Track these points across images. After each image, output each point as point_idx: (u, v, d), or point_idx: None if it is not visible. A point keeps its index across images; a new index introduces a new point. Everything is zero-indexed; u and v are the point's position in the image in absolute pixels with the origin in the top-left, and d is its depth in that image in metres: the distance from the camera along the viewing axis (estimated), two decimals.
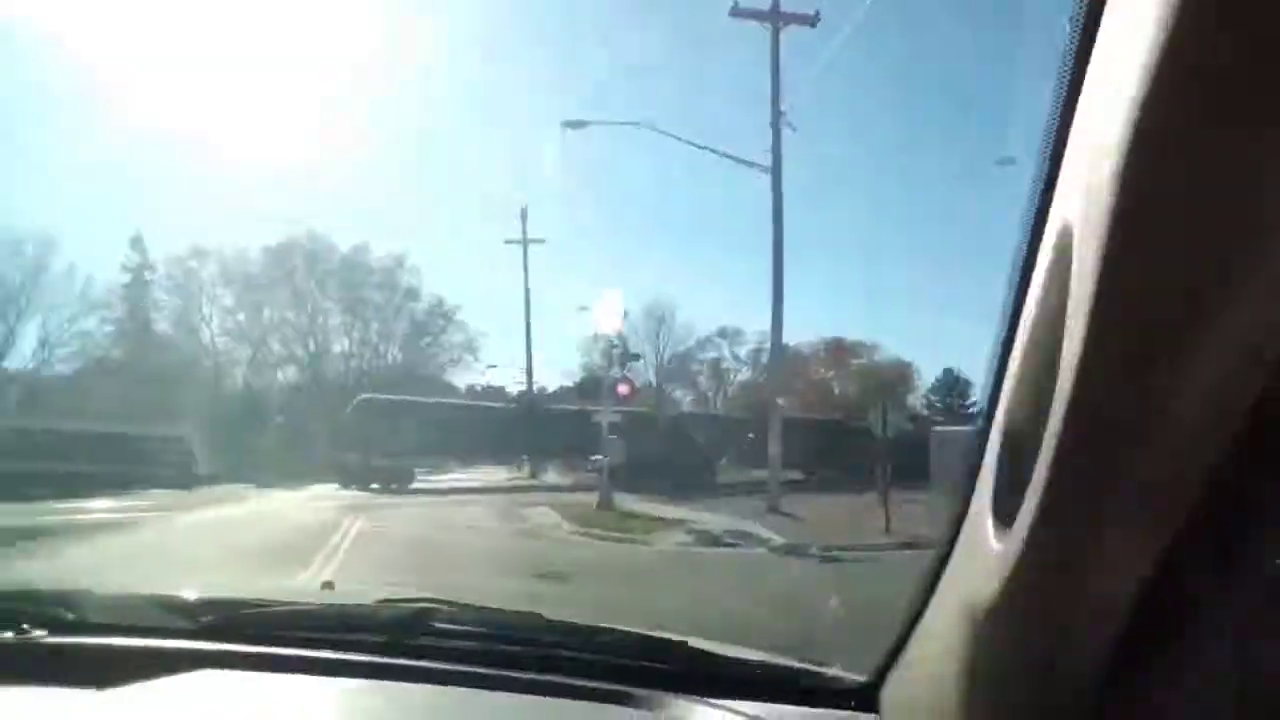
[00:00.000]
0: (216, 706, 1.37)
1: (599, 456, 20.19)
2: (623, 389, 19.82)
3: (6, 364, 41.60)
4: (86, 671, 1.36)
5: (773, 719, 1.43)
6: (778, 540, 15.61)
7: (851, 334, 62.57)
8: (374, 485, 27.08)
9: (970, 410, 66.85)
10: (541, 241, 43.45)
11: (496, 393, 52.86)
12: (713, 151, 20.56)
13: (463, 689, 1.47)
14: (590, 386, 20.70)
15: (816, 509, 21.39)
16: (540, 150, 64.02)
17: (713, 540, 16.16)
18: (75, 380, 42.21)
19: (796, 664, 1.67)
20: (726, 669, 1.61)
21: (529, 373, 44.59)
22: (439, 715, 1.48)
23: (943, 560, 1.16)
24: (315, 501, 22.51)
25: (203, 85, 33.68)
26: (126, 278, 50.10)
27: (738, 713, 1.41)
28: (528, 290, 43.66)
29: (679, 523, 17.98)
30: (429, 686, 1.48)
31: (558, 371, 77.28)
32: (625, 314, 20.55)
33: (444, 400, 38.97)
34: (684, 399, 63.93)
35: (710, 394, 66.75)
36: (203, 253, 52.19)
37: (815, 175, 63.66)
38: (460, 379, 56.38)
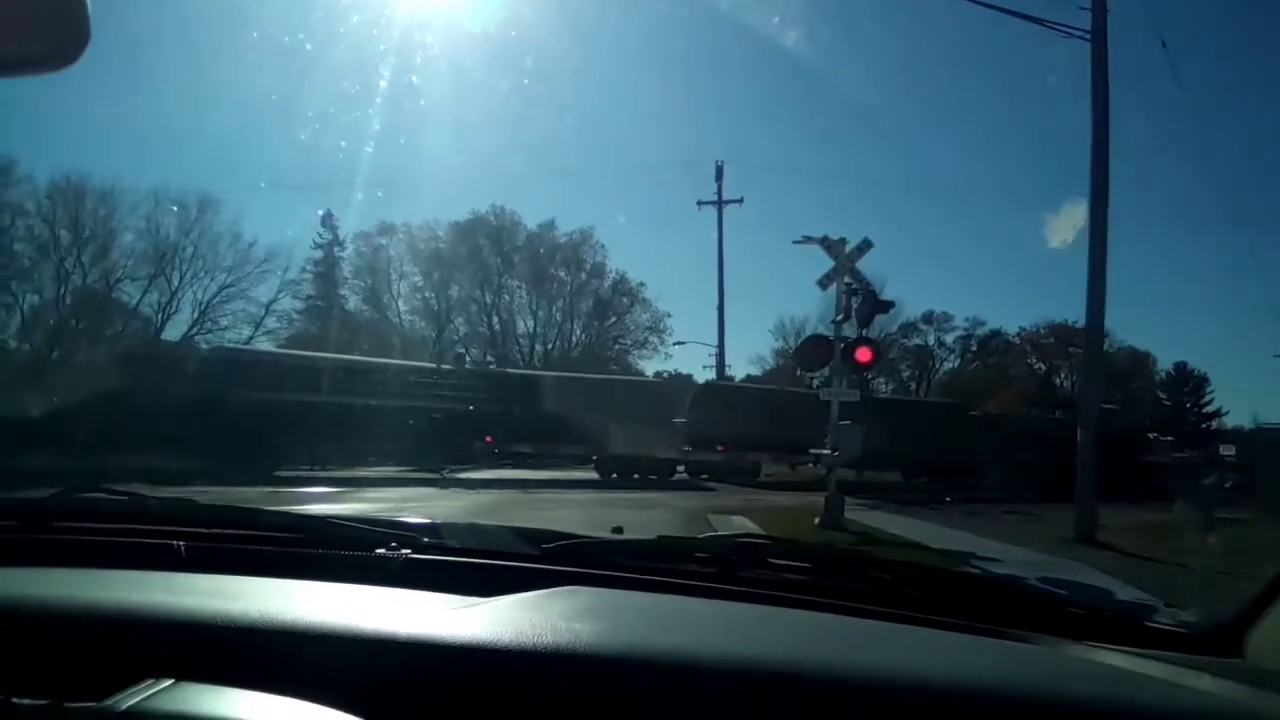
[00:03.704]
0: (594, 609, 1.32)
1: (825, 450, 13.38)
2: (864, 354, 12.83)
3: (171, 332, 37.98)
4: (461, 582, 1.41)
5: (1134, 658, 1.28)
6: (1165, 613, 8.30)
7: (1066, 314, 51.69)
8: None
9: (1206, 410, 55.67)
10: (739, 202, 37.17)
11: (684, 380, 47.08)
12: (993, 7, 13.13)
13: (798, 610, 1.42)
14: (814, 351, 13.70)
15: (1138, 536, 13.77)
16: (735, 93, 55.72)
17: None
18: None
19: (1149, 610, 1.63)
20: (1073, 613, 1.50)
21: (720, 351, 38.09)
22: (778, 627, 1.35)
23: None
24: (447, 501, 16.97)
25: (387, 64, 29.73)
26: (318, 254, 47.83)
27: (1098, 650, 1.31)
28: (721, 252, 37.39)
29: (955, 558, 10.93)
30: (762, 606, 1.44)
31: (745, 357, 71.01)
32: (869, 245, 13.46)
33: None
34: (883, 388, 55.88)
35: (913, 384, 58.45)
36: (390, 229, 49.47)
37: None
38: (648, 364, 50.78)
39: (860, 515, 14.99)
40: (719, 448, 26.91)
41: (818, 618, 1.39)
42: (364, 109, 39.17)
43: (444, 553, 1.55)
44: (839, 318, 13.24)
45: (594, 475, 26.32)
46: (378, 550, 1.52)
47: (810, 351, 13.50)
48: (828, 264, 13.60)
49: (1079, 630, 1.39)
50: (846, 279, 13.23)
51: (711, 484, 25.22)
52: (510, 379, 28.97)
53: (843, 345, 13.01)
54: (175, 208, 36.64)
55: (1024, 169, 55.92)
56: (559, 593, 1.38)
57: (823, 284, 13.51)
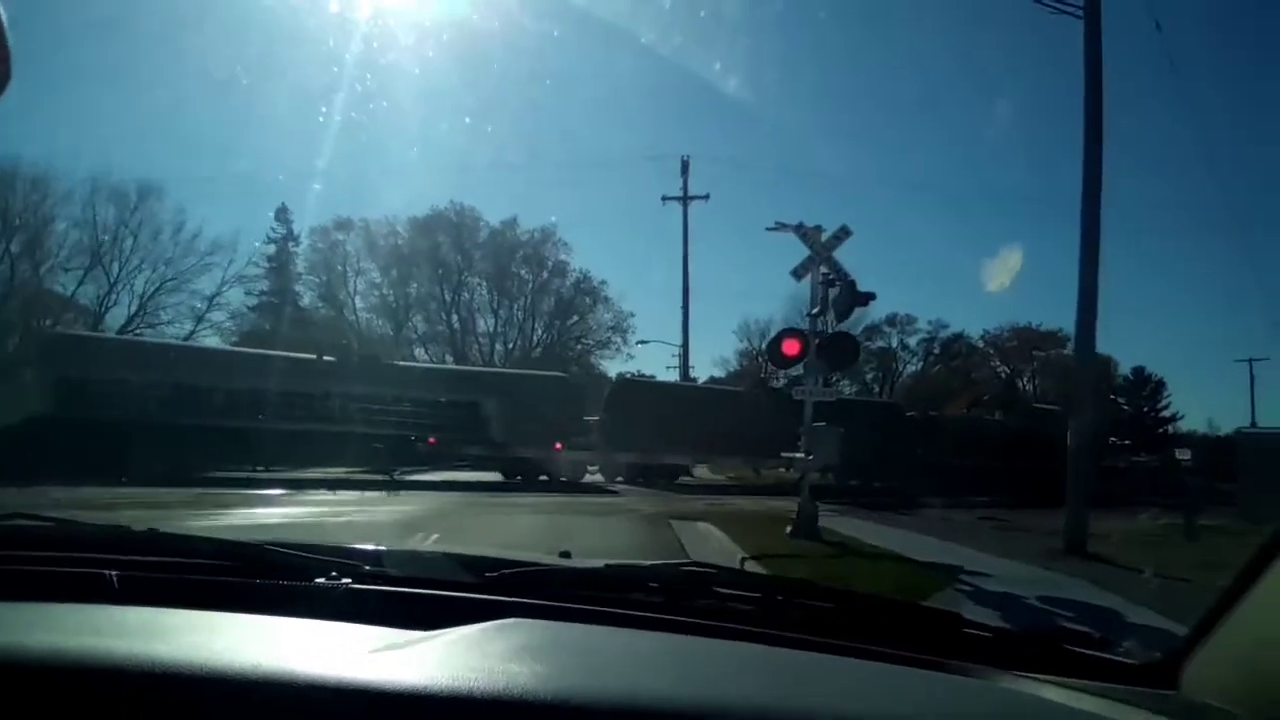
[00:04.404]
0: (533, 646, 1.27)
1: (799, 454, 12.35)
2: (843, 350, 11.80)
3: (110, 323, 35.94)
4: (401, 614, 1.34)
5: (1070, 691, 1.28)
6: (1131, 642, 7.32)
7: (1030, 318, 51.30)
8: None
9: (1163, 415, 55.67)
10: (705, 198, 36.25)
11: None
12: None
13: (742, 643, 1.39)
14: (787, 346, 12.61)
15: (1129, 547, 12.95)
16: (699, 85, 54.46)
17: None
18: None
19: (1087, 642, 1.53)
20: (1012, 644, 1.52)
21: (684, 350, 37.08)
22: (722, 663, 1.32)
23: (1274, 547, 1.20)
24: (390, 506, 15.68)
25: (345, 56, 28.20)
26: (270, 249, 46.06)
27: (1035, 682, 1.32)
28: (686, 249, 36.52)
29: (945, 572, 9.90)
30: (709, 640, 1.41)
31: (709, 359, 69.97)
32: (847, 233, 12.43)
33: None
34: (848, 391, 55.12)
35: (877, 387, 57.81)
36: (347, 224, 47.78)
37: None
38: (610, 364, 49.65)
39: (832, 522, 14.00)
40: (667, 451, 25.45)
41: (759, 651, 1.36)
42: (321, 101, 37.63)
43: (385, 582, 1.50)
44: (814, 310, 12.20)
45: (498, 477, 24.22)
46: (317, 580, 1.47)
47: (782, 347, 12.42)
48: (795, 262, 12.57)
49: (1021, 661, 1.39)
50: (823, 269, 12.20)
51: (618, 487, 23.38)
52: (399, 373, 25.88)
53: (818, 340, 11.98)
54: (108, 197, 34.65)
55: (989, 169, 55.60)
56: (499, 628, 1.33)
57: (797, 274, 12.46)
